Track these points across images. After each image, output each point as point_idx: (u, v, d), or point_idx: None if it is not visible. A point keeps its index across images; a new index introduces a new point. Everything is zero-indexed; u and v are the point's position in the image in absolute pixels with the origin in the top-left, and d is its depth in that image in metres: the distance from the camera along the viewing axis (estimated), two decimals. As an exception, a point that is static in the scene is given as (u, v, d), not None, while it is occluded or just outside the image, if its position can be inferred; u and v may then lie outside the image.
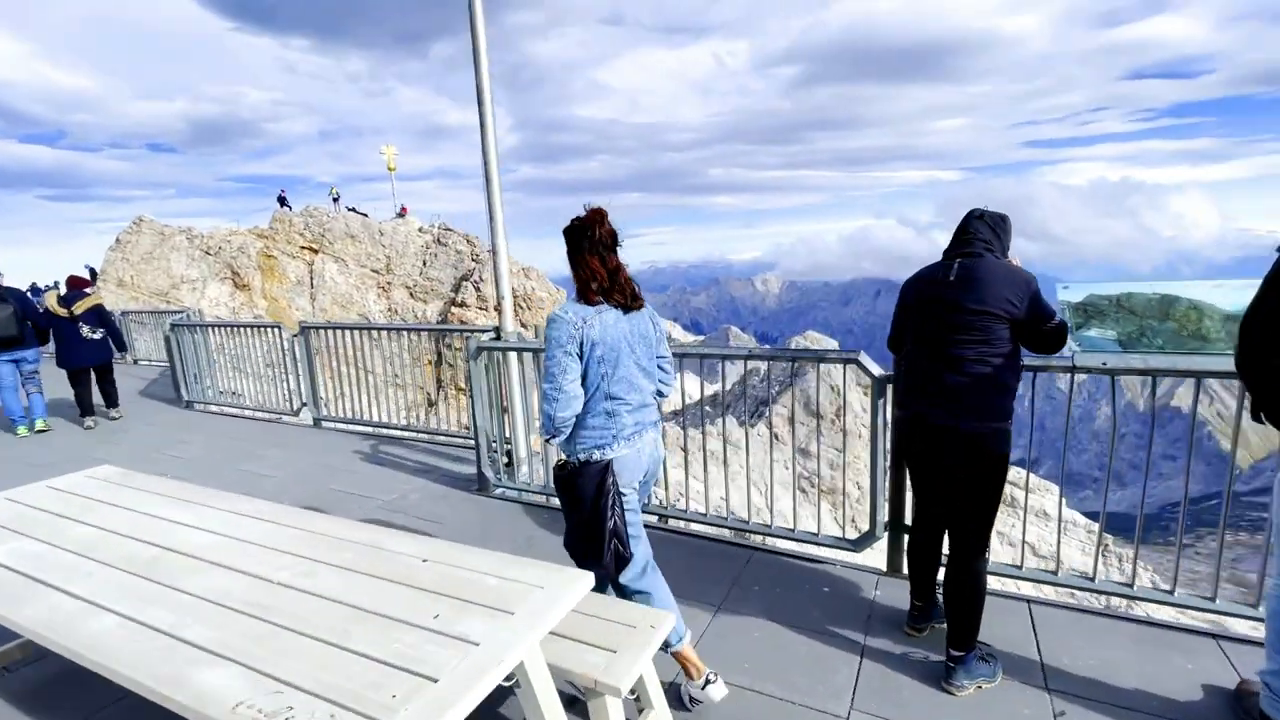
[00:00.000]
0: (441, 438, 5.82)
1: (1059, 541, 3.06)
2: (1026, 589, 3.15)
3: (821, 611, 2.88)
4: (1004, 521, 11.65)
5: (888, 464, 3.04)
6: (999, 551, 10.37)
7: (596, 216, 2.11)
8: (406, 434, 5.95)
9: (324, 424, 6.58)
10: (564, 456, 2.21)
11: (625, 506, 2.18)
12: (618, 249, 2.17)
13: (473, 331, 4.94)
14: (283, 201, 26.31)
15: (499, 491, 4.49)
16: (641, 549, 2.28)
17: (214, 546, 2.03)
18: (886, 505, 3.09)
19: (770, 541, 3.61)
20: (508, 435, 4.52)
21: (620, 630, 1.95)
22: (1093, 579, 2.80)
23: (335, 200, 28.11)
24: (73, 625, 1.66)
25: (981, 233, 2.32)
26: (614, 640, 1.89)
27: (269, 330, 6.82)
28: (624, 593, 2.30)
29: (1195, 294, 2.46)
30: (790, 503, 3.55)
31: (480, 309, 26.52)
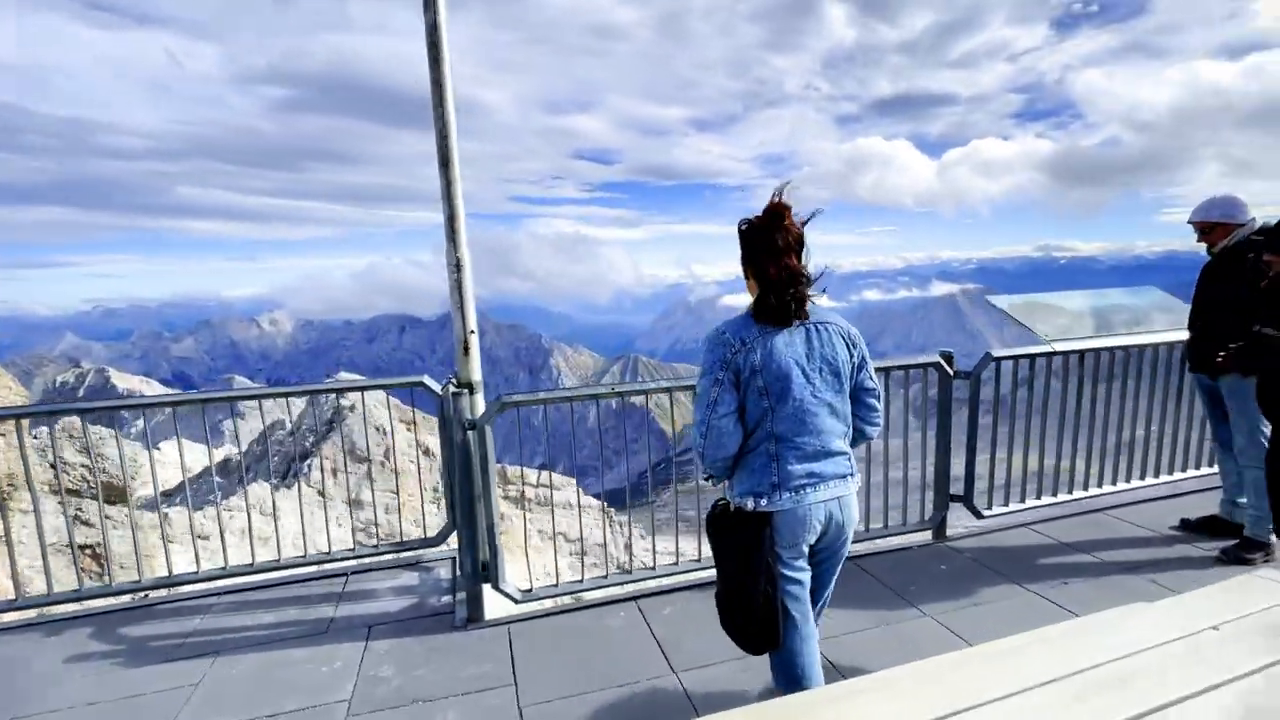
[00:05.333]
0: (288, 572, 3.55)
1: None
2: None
3: (988, 587, 3.25)
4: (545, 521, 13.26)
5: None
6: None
7: (771, 215, 1.80)
8: (195, 587, 3.37)
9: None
10: (724, 496, 1.94)
11: (784, 572, 1.85)
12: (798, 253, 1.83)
13: (402, 385, 3.27)
14: None
15: (494, 615, 3.16)
16: (796, 637, 1.90)
17: None
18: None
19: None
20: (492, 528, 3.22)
21: None
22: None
23: None
24: None
25: None
26: None
27: None
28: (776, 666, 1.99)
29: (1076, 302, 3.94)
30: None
31: None
